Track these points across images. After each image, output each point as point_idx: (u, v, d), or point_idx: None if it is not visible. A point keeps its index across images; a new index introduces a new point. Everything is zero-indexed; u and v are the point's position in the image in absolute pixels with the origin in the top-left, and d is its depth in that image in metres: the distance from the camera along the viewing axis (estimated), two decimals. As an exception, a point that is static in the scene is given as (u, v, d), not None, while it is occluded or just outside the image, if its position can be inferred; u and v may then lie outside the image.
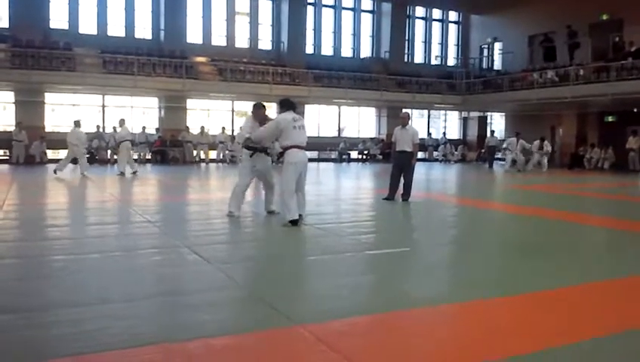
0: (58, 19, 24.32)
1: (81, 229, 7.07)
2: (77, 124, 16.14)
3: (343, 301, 4.09)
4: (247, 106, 27.59)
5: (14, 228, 7.33)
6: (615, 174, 20.78)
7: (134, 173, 16.34)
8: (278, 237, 6.95)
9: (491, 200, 12.78)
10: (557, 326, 3.60)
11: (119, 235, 6.77)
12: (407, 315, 3.82)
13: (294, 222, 7.15)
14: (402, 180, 10.29)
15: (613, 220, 8.92)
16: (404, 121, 10.40)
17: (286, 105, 7.56)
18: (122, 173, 15.94)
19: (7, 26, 23.11)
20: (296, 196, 7.36)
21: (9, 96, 22.48)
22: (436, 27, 33.32)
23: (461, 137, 32.76)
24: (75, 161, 16.28)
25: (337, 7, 30.34)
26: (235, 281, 4.52)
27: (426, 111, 31.97)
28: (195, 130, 23.96)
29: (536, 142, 22.22)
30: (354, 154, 27.73)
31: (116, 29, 25.41)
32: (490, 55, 32.90)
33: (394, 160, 10.56)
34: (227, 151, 23.62)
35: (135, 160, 22.68)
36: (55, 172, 15.38)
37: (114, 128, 20.62)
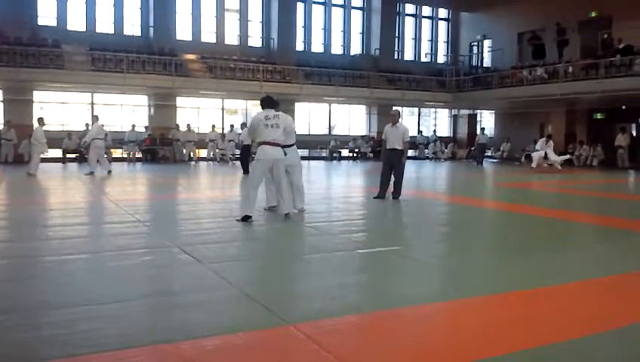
0: (46, 15, 24.12)
1: (71, 229, 7.04)
2: (40, 121, 16.14)
3: (334, 300, 4.11)
4: (237, 104, 27.64)
5: (3, 229, 7.29)
6: (604, 171, 20.92)
7: (109, 172, 15.86)
8: (269, 235, 6.97)
9: (480, 197, 12.86)
10: (552, 322, 3.63)
11: (109, 235, 6.74)
12: (398, 314, 3.84)
13: (245, 218, 7.39)
14: (392, 178, 10.31)
15: (603, 218, 9.00)
16: (395, 118, 10.38)
17: (263, 103, 7.85)
18: (92, 173, 15.36)
19: (-6, 23, 22.90)
20: (286, 191, 7.62)
21: (-3, 94, 22.30)
22: (426, 24, 33.36)
23: (451, 135, 32.86)
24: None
25: (327, 4, 30.32)
26: (227, 281, 4.52)
27: (416, 109, 32.02)
28: (183, 127, 23.86)
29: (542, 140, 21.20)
30: (345, 152, 27.72)
31: (105, 25, 25.22)
32: (480, 52, 33.01)
33: (384, 158, 10.54)
34: (217, 150, 23.52)
35: (124, 159, 22.73)
36: (28, 174, 15.13)
37: (86, 125, 20.15)
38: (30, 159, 16.35)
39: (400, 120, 10.58)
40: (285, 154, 7.83)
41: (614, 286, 4.68)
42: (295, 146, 8.41)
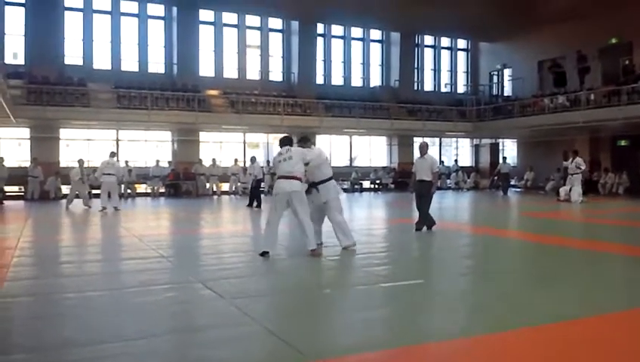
0: (73, 55, 24.82)
1: (95, 265, 7.11)
2: (79, 163, 17.17)
3: (356, 336, 4.08)
4: (259, 138, 27.90)
5: (30, 266, 7.39)
6: (631, 199, 20.56)
7: (115, 208, 15.55)
8: (291, 270, 6.95)
9: (506, 228, 12.70)
10: (583, 358, 3.56)
11: (133, 271, 6.79)
12: (421, 350, 3.79)
13: (262, 254, 7.36)
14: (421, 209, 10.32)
15: (632, 248, 8.81)
16: (423, 150, 10.50)
17: (280, 142, 7.90)
18: (103, 209, 15.38)
19: (22, 62, 23.59)
20: (307, 225, 7.45)
21: (24, 132, 22.82)
22: (445, 55, 33.56)
23: (473, 164, 32.68)
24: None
25: (347, 38, 30.69)
26: (249, 316, 4.52)
27: (437, 139, 31.97)
28: (207, 162, 24.11)
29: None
30: (366, 184, 27.69)
31: (130, 64, 25.85)
32: (500, 81, 32.99)
33: (415, 190, 10.63)
34: (239, 184, 23.63)
35: (148, 194, 22.97)
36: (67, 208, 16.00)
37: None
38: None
39: (428, 150, 10.64)
40: (318, 191, 7.87)
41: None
42: (331, 181, 8.04)
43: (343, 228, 7.99)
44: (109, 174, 16.03)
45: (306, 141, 8.21)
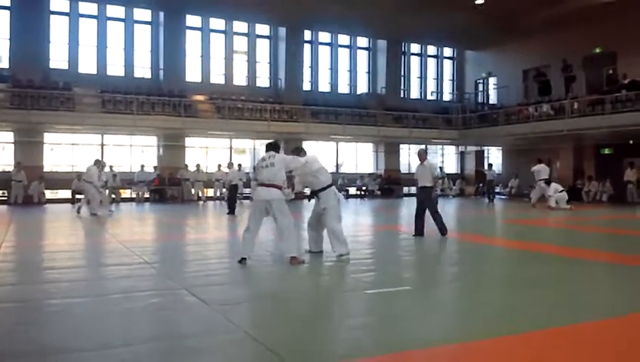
0: (58, 59, 24.64)
1: (79, 271, 7.03)
2: (96, 163, 16.40)
3: (341, 343, 4.06)
4: (245, 143, 27.84)
5: (12, 271, 7.30)
6: (614, 207, 20.77)
7: (93, 214, 15.39)
8: (276, 277, 6.91)
9: (492, 235, 12.75)
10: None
11: (116, 277, 6.72)
12: (405, 357, 3.78)
13: (241, 261, 7.31)
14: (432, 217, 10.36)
15: (617, 255, 8.88)
16: (421, 157, 10.62)
17: (266, 147, 7.84)
18: (94, 214, 15.34)
19: (7, 66, 23.38)
20: (288, 231, 7.38)
21: (8, 136, 22.60)
22: (431, 63, 33.77)
23: (459, 171, 32.86)
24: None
25: (334, 45, 30.80)
26: (233, 323, 4.48)
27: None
28: (192, 167, 23.98)
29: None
30: (352, 190, 27.71)
31: (116, 68, 25.72)
32: (486, 90, 33.27)
33: (417, 197, 10.74)
34: (224, 189, 23.45)
35: (133, 199, 22.81)
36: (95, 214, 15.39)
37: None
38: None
39: (426, 156, 10.77)
40: (319, 198, 7.91)
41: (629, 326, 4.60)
42: (331, 188, 8.05)
43: (338, 236, 7.85)
44: (88, 182, 15.88)
45: (299, 152, 8.12)
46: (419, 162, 10.60)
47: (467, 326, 4.60)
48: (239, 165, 20.44)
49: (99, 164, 16.60)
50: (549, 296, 5.61)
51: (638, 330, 4.51)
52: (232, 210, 16.25)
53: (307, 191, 8.61)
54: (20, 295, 5.73)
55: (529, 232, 12.90)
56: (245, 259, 7.33)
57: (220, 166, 24.24)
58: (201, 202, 23.12)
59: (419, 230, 10.36)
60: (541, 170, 19.82)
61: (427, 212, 10.36)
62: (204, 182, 23.85)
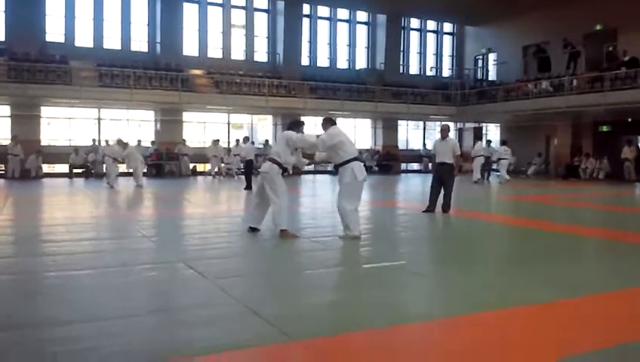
0: (54, 32, 24.39)
1: (77, 244, 7.05)
2: (119, 142, 18.51)
3: (339, 316, 4.09)
4: (243, 118, 27.72)
5: (10, 244, 7.32)
6: (611, 184, 20.82)
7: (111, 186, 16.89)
8: (274, 251, 6.94)
9: (488, 211, 12.79)
10: (560, 337, 3.60)
11: (115, 250, 6.75)
12: (403, 330, 3.82)
13: (250, 229, 7.69)
14: (442, 192, 10.35)
15: (612, 231, 8.93)
16: (444, 133, 10.60)
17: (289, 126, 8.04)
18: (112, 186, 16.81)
19: (3, 39, 23.13)
20: (277, 206, 7.39)
21: (5, 109, 22.43)
22: (431, 38, 33.51)
23: (457, 148, 32.76)
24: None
25: (333, 19, 30.52)
26: (231, 296, 4.51)
27: (421, 123, 32.02)
28: (191, 143, 23.82)
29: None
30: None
31: (112, 42, 25.48)
32: (485, 66, 33.06)
33: (434, 172, 10.71)
34: (222, 165, 23.35)
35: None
36: (112, 186, 16.90)
37: (93, 141, 23.17)
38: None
39: (449, 134, 10.74)
40: (336, 174, 7.76)
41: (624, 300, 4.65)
42: (350, 165, 7.37)
43: (345, 213, 7.36)
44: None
45: (297, 125, 7.98)
46: (439, 138, 10.56)
47: (459, 299, 4.64)
48: (252, 142, 20.20)
49: (121, 143, 18.38)
50: (544, 272, 5.64)
51: (626, 305, 4.56)
52: (249, 185, 16.27)
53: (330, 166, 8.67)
54: (17, 267, 5.75)
55: (526, 209, 12.94)
56: (255, 229, 7.62)
57: (215, 141, 23.84)
58: (200, 177, 23.03)
59: (432, 206, 10.31)
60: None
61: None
62: (202, 157, 23.63)
